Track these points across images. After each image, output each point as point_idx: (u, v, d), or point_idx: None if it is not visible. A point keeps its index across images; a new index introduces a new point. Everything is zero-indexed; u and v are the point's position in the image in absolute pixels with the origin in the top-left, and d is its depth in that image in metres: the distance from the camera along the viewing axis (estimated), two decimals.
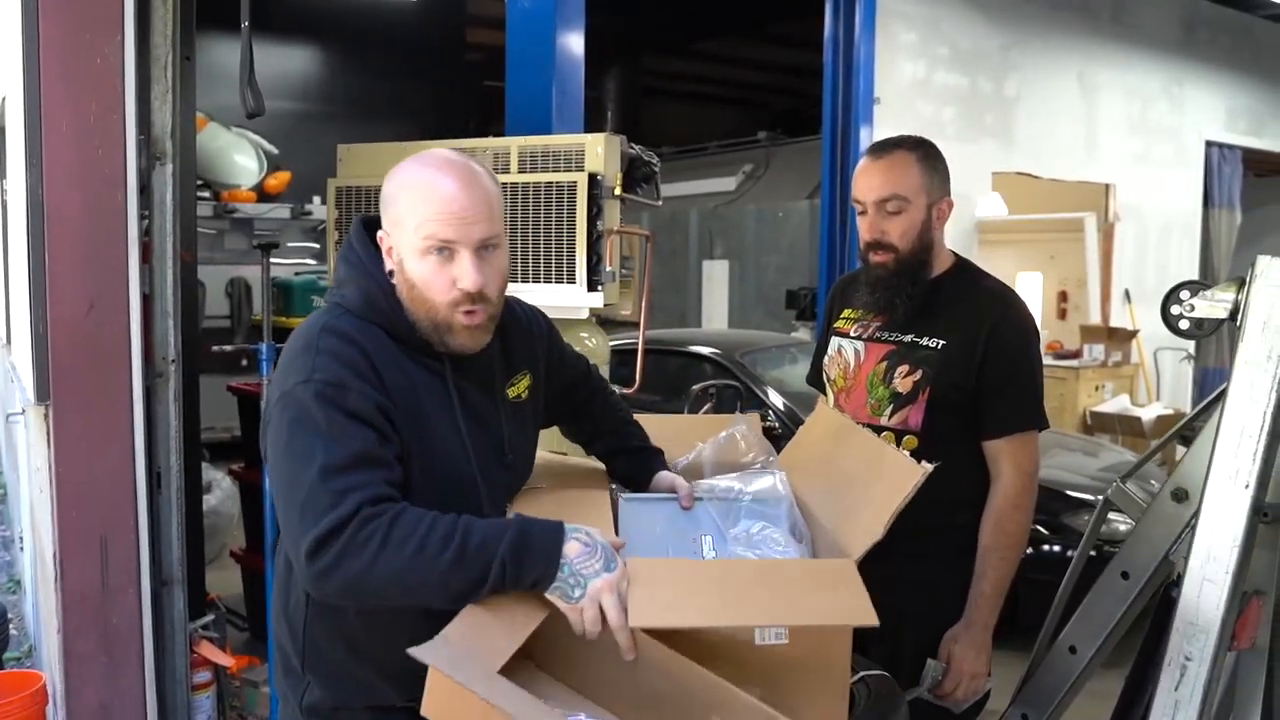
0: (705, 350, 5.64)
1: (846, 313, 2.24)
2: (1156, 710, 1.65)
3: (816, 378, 2.34)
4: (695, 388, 4.16)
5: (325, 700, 1.52)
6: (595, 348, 3.75)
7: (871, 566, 2.15)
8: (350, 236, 1.56)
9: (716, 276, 8.99)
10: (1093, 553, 2.11)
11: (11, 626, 4.74)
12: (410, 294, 1.48)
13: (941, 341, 2.06)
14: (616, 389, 3.82)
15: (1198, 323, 1.66)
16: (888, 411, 2.10)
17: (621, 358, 4.53)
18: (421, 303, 1.47)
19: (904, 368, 2.09)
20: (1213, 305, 1.64)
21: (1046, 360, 8.44)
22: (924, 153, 2.09)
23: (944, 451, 2.08)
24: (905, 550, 2.12)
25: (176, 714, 3.22)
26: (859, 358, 2.16)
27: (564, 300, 3.43)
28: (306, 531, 1.31)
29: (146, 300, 3.11)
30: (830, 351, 2.24)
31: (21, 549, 5.23)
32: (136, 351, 2.99)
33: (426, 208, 1.44)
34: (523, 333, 1.71)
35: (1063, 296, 9.65)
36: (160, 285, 3.14)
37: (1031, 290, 9.50)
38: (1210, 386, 9.57)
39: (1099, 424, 7.64)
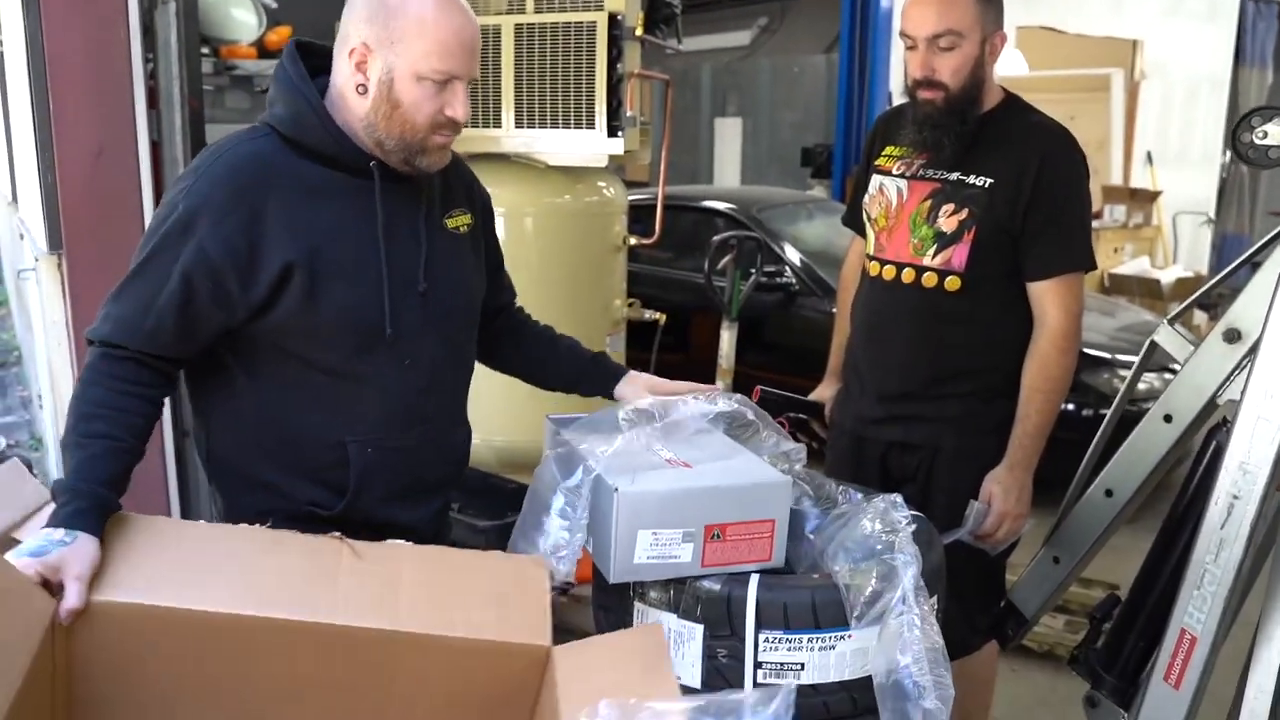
0: (721, 206, 5.54)
1: (889, 150, 2.16)
2: (1200, 547, 1.64)
3: (854, 218, 2.27)
4: (715, 239, 4.08)
5: (233, 514, 1.59)
6: (614, 198, 3.67)
7: (904, 403, 2.15)
8: (284, 58, 1.54)
9: (729, 134, 8.79)
10: (1105, 412, 2.09)
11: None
12: (390, 113, 1.46)
13: (989, 180, 1.99)
14: (634, 240, 3.78)
15: (1268, 151, 1.59)
16: (930, 251, 2.04)
17: (637, 213, 4.44)
18: (402, 123, 1.47)
19: (949, 206, 2.02)
20: None
21: None
22: None
23: (987, 292, 2.04)
24: (940, 390, 2.11)
25: None
26: (902, 196, 2.09)
27: (582, 146, 3.33)
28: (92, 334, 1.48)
29: (156, 147, 3.02)
30: (870, 190, 2.17)
31: (41, 407, 5.26)
32: (148, 199, 2.92)
33: (437, 36, 1.43)
34: (462, 176, 1.71)
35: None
36: (169, 132, 3.04)
37: None
38: (1229, 251, 9.47)
39: (1117, 286, 7.57)
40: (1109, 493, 2.01)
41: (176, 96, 3.03)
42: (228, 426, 1.58)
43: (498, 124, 3.43)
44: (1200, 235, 9.35)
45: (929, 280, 2.05)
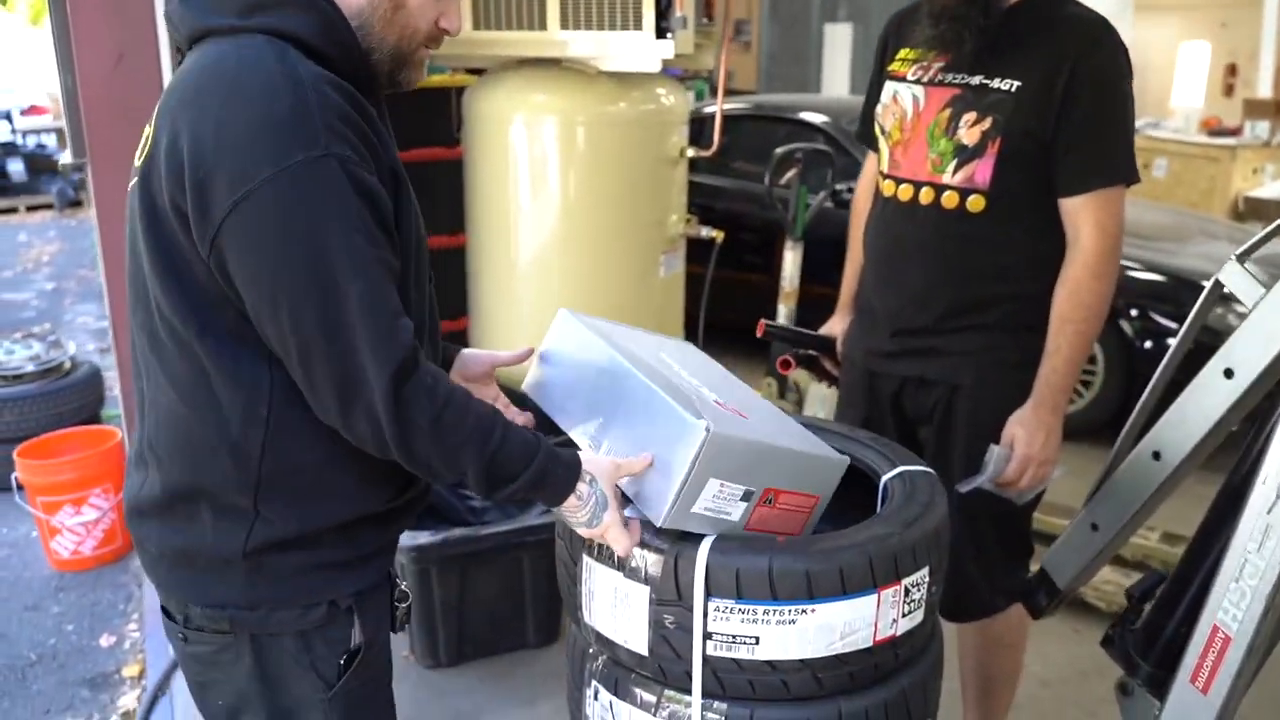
0: (815, 118, 5.21)
1: (903, 52, 1.89)
2: (1242, 533, 1.38)
3: (867, 131, 2.01)
4: (778, 151, 3.80)
5: (284, 531, 1.27)
6: (672, 105, 3.44)
7: (921, 337, 1.92)
8: None
9: (839, 41, 8.32)
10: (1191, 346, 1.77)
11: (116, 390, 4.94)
12: (391, 15, 1.26)
13: (1016, 83, 1.70)
14: (692, 152, 3.53)
15: None
16: (951, 167, 1.78)
17: (725, 124, 4.13)
18: (402, 26, 1.27)
19: (971, 115, 1.74)
20: None
21: (1200, 139, 7.64)
22: None
23: (1014, 212, 1.79)
24: (961, 322, 1.87)
25: None
26: (918, 105, 1.82)
27: (629, 49, 3.10)
28: (383, 365, 1.13)
29: (178, 52, 2.93)
30: (884, 99, 1.90)
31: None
32: None
33: None
34: None
35: (1231, 70, 8.69)
36: None
37: (1196, 64, 8.55)
38: None
39: (1253, 210, 6.92)
40: (1157, 455, 1.73)
41: None
42: (298, 430, 1.24)
43: (542, 25, 3.21)
44: None
45: (949, 200, 1.79)
